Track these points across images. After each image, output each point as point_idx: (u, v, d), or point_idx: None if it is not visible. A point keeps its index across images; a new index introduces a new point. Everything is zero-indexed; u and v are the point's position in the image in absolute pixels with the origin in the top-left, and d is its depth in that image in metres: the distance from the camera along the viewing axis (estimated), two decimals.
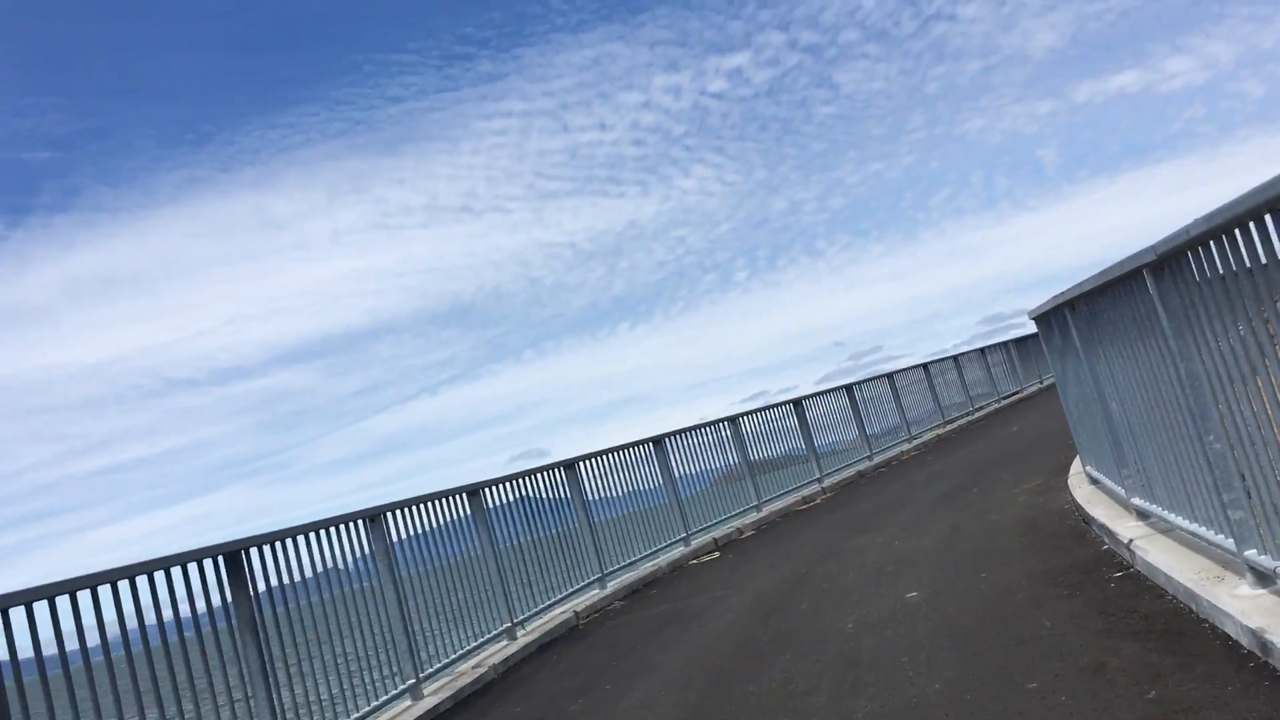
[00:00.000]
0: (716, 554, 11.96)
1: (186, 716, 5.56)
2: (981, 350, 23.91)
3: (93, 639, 5.18)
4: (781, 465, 15.55)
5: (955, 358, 22.51)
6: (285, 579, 6.65)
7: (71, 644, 5.05)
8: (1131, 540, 5.55)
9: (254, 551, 6.51)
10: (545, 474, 10.66)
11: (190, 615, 5.99)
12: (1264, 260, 3.16)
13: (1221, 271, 3.54)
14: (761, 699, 5.24)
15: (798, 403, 16.00)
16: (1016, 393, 24.62)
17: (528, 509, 10.30)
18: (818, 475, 15.67)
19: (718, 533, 12.99)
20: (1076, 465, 9.18)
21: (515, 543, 9.87)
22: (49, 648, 4.86)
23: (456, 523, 9.10)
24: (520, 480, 10.03)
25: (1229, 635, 3.99)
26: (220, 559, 6.18)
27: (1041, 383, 26.25)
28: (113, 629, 5.31)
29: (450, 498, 8.98)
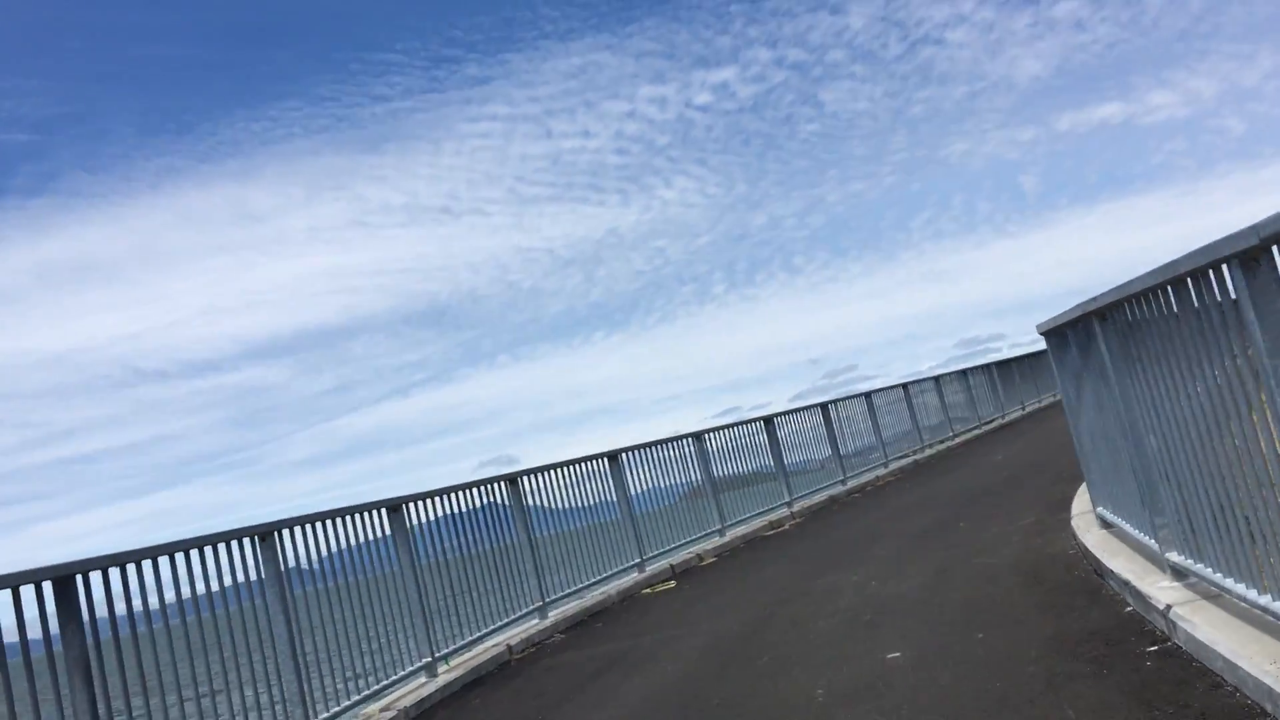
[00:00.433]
0: (673, 583, 10.85)
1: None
2: (963, 372, 22.96)
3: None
4: (750, 483, 14.47)
5: (936, 379, 21.54)
6: (132, 605, 5.49)
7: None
8: (1170, 607, 4.48)
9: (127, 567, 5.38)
10: (484, 489, 9.53)
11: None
12: None
13: None
14: None
15: (769, 420, 14.94)
16: (998, 418, 23.68)
17: (463, 525, 9.16)
18: (787, 499, 14.59)
19: (676, 558, 11.89)
20: (1082, 503, 8.14)
21: (443, 563, 8.73)
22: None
23: (374, 542, 7.97)
24: (450, 496, 8.88)
25: None
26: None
27: (1024, 409, 25.34)
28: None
29: (366, 514, 7.85)
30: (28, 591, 4.97)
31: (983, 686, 4.53)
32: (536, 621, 9.50)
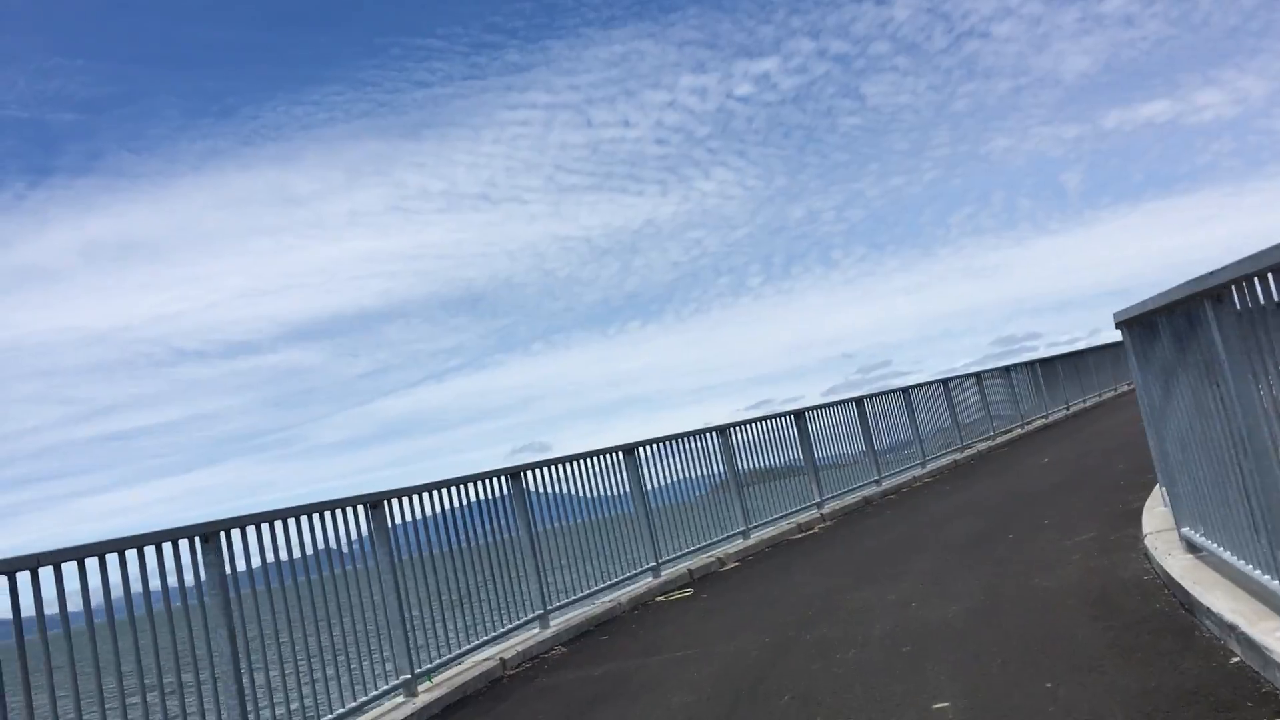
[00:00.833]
0: (690, 590, 9.93)
1: None
2: (1006, 368, 21.81)
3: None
4: (780, 476, 13.51)
5: (977, 375, 20.44)
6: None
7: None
8: None
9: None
10: (483, 483, 8.66)
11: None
12: None
13: None
14: None
15: (799, 414, 13.96)
16: (1041, 418, 22.55)
17: (458, 522, 8.30)
18: (817, 499, 13.62)
19: (695, 562, 10.98)
20: (1156, 519, 7.14)
21: (430, 565, 7.86)
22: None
23: (355, 540, 7.13)
24: (440, 492, 8.00)
25: None
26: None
27: (1069, 409, 24.17)
28: None
29: (344, 509, 7.00)
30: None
31: None
32: (537, 631, 8.62)
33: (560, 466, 9.60)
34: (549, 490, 9.65)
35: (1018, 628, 5.57)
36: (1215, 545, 4.99)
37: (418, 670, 7.10)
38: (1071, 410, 24.27)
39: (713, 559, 11.07)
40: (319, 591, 6.65)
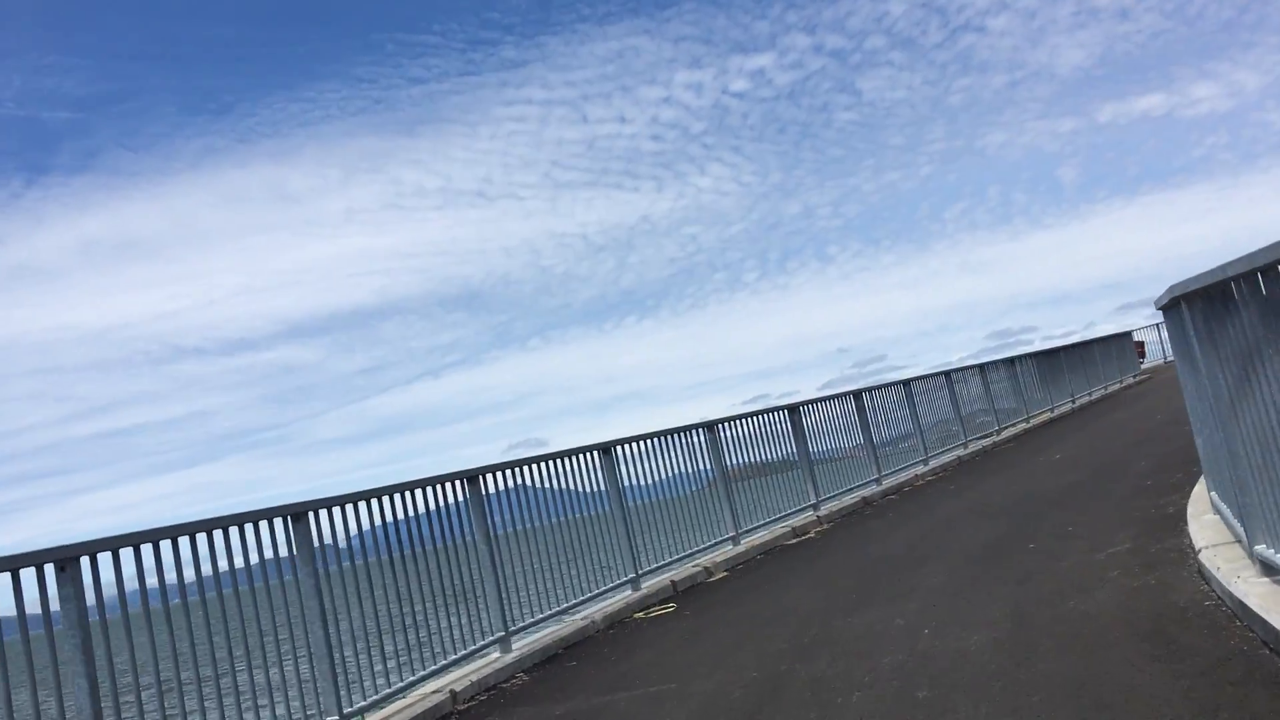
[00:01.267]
0: (672, 606, 8.93)
1: None
2: (1010, 360, 20.82)
3: None
4: (774, 470, 12.51)
5: (981, 367, 19.46)
6: None
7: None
8: None
9: None
10: (436, 487, 7.65)
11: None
12: None
13: None
14: None
15: (793, 409, 12.97)
16: (1046, 411, 21.57)
17: (400, 534, 7.29)
18: (814, 500, 12.63)
19: (679, 572, 9.98)
20: (1207, 529, 6.12)
21: (369, 584, 6.85)
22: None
23: (275, 557, 6.12)
24: (375, 501, 6.99)
25: None
26: None
27: (1074, 402, 23.19)
28: None
29: (262, 521, 5.99)
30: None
31: None
32: (497, 656, 7.62)
33: (528, 469, 8.59)
34: (518, 495, 8.65)
35: (1059, 670, 4.56)
36: None
37: (347, 711, 6.09)
38: (1078, 403, 23.30)
39: (699, 569, 10.07)
40: (233, 616, 5.65)
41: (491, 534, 8.00)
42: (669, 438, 10.64)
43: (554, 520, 9.01)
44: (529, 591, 8.34)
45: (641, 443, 10.09)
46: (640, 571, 9.50)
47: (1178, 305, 5.11)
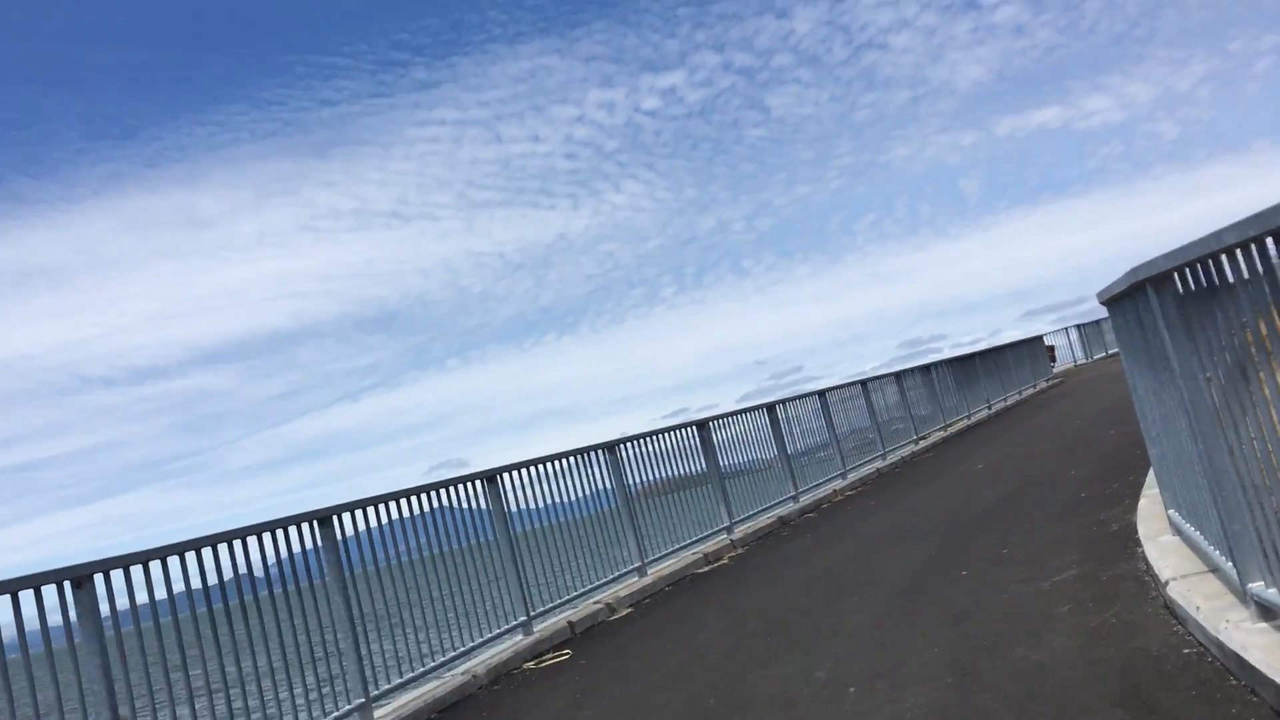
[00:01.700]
0: (567, 653, 7.89)
1: None
2: (926, 367, 20.24)
3: None
4: (681, 487, 11.56)
5: (897, 374, 18.82)
6: None
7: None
8: None
9: None
10: (283, 531, 6.51)
11: None
12: None
13: None
14: None
15: (702, 424, 12.04)
16: (963, 419, 21.04)
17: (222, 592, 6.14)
18: (727, 522, 11.71)
19: (578, 611, 8.95)
20: (1169, 554, 5.28)
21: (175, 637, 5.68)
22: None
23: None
24: (192, 557, 5.82)
25: None
26: None
27: (990, 408, 22.74)
28: None
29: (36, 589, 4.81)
30: None
31: None
32: None
33: (389, 505, 7.47)
34: (390, 532, 7.55)
35: None
36: None
37: None
38: (994, 409, 22.86)
39: (600, 606, 9.05)
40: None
41: (350, 581, 6.88)
42: (563, 461, 9.60)
43: (432, 554, 7.91)
44: (399, 646, 7.23)
45: (532, 468, 9.03)
46: (533, 613, 8.44)
47: (1139, 291, 4.26)
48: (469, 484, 8.40)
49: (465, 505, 8.38)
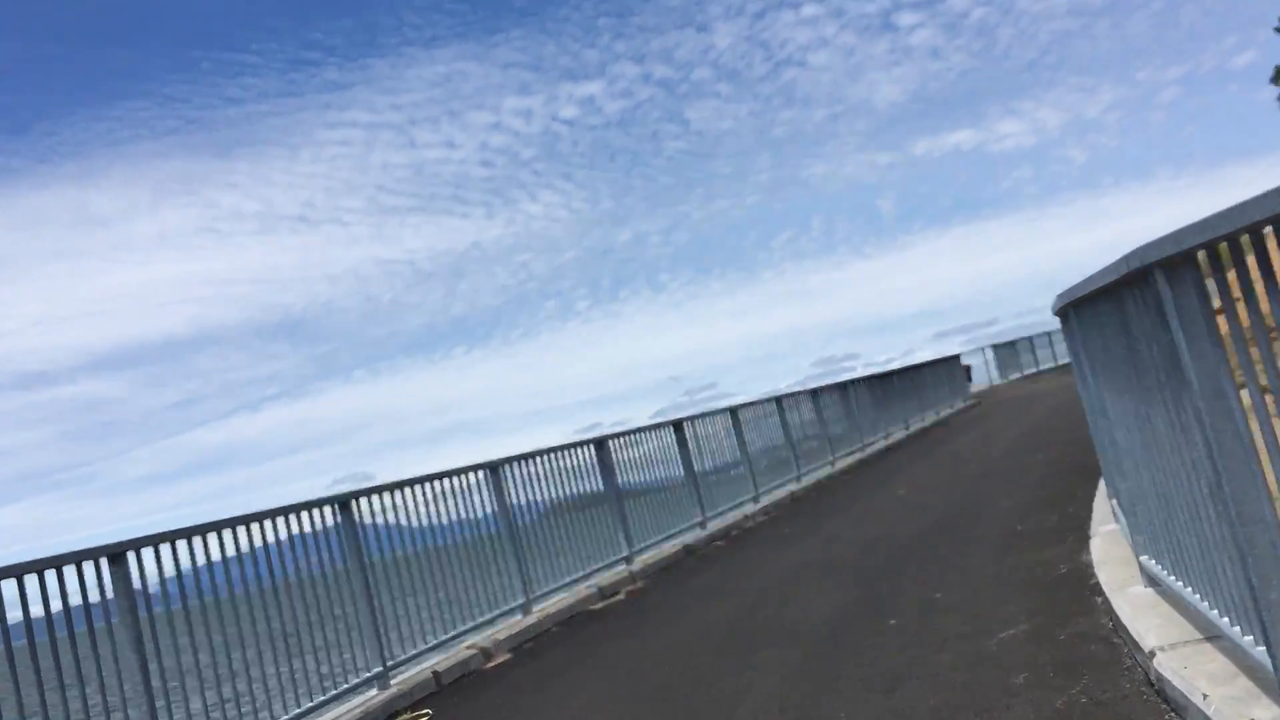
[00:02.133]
0: (426, 714, 6.66)
1: None
2: (843, 385, 19.41)
3: None
4: (577, 508, 10.43)
5: (813, 392, 17.93)
6: None
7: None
8: None
9: None
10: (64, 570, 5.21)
11: None
12: None
13: None
14: None
15: (600, 443, 10.91)
16: (880, 439, 20.26)
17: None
18: (626, 552, 10.58)
19: (447, 658, 7.73)
20: (1148, 611, 4.26)
21: None
22: None
23: None
24: None
25: None
26: None
27: (908, 428, 22.03)
28: None
29: None
30: None
31: None
32: None
33: (189, 544, 6.17)
34: (221, 570, 6.27)
35: None
36: None
37: None
38: (912, 430, 22.16)
39: (474, 651, 7.83)
40: None
41: (147, 627, 5.58)
42: (437, 484, 8.38)
43: (267, 588, 6.64)
44: (229, 699, 5.93)
45: (395, 493, 7.79)
46: (390, 664, 7.20)
47: (1139, 281, 3.25)
48: (324, 508, 7.13)
49: (310, 529, 7.12)
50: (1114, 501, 6.28)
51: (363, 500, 7.37)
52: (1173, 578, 4.10)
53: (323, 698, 6.57)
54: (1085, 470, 10.05)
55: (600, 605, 9.28)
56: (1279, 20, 39.81)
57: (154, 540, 5.71)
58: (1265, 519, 2.79)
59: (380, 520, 7.61)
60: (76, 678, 5.06)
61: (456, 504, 8.63)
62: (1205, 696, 3.25)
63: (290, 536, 6.70)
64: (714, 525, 12.42)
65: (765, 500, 14.06)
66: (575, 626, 8.54)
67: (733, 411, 14.47)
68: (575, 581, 9.69)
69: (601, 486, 10.73)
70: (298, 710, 6.37)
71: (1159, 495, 3.95)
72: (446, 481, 8.52)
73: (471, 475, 8.86)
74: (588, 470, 10.57)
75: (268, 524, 6.54)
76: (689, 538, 11.74)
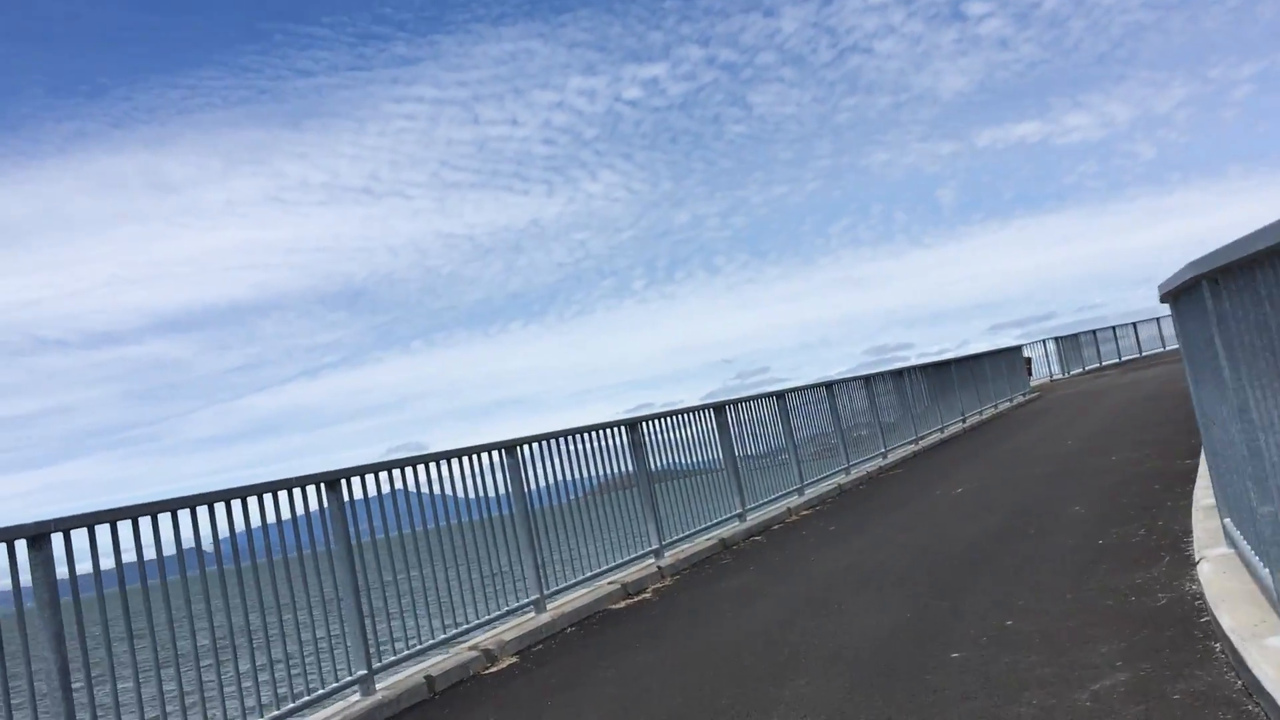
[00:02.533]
0: None
1: None
2: (899, 372, 18.31)
3: None
4: (605, 491, 9.59)
5: (866, 379, 16.88)
6: None
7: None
8: None
9: None
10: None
11: None
12: None
13: None
14: None
15: (633, 425, 10.01)
16: (936, 431, 19.15)
17: None
18: (656, 545, 9.70)
19: (445, 659, 6.90)
20: None
21: None
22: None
23: None
24: None
25: None
26: None
27: (965, 421, 20.88)
28: None
29: None
30: None
31: None
32: None
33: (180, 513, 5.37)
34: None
35: None
36: None
37: None
38: (969, 423, 21.00)
39: (476, 653, 7.00)
40: None
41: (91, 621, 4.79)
42: (451, 462, 7.54)
43: (246, 563, 5.85)
44: (215, 700, 5.14)
45: (377, 474, 6.93)
46: (374, 668, 6.37)
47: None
48: (310, 486, 6.32)
49: (301, 511, 6.32)
50: (1227, 521, 5.26)
51: (347, 482, 6.52)
52: None
53: (291, 705, 5.75)
54: (1170, 476, 8.98)
55: (623, 604, 8.41)
56: None
57: (87, 520, 4.89)
58: None
59: (376, 502, 6.78)
60: None
61: (467, 485, 7.80)
62: None
63: (264, 521, 5.88)
64: (753, 518, 11.49)
65: (810, 493, 13.08)
66: (592, 629, 7.68)
67: (779, 396, 13.49)
68: (597, 576, 8.82)
69: (636, 478, 9.84)
70: (269, 716, 5.56)
71: None
72: (457, 463, 7.68)
73: (492, 456, 8.01)
74: (618, 454, 9.68)
75: (235, 504, 5.72)
76: (725, 531, 10.82)
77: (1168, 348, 39.64)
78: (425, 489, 7.37)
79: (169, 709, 5.12)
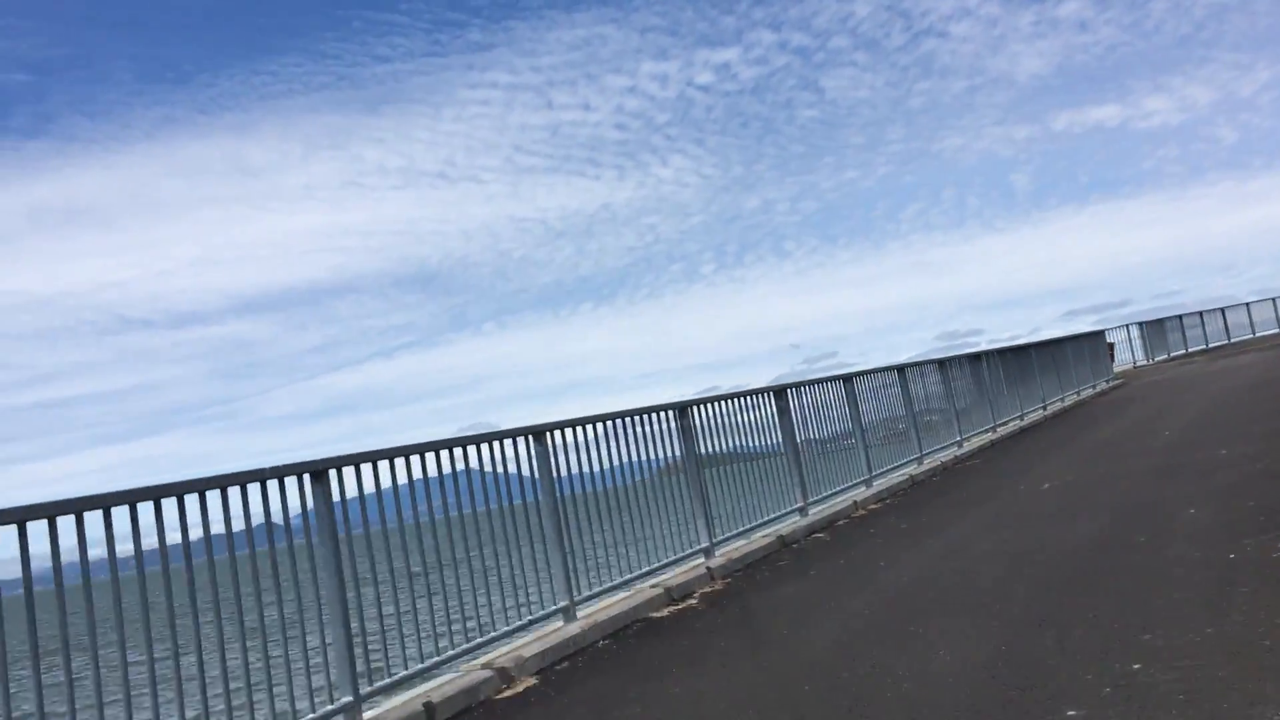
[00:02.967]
0: None
1: None
2: (976, 355, 17.03)
3: None
4: (675, 477, 8.59)
5: (940, 362, 15.64)
6: None
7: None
8: None
9: None
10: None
11: None
12: None
13: None
14: None
15: (683, 409, 8.98)
16: (1015, 419, 17.84)
17: None
18: (706, 543, 8.69)
19: (451, 681, 5.97)
20: None
21: None
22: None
23: None
24: None
25: None
26: None
27: (1045, 408, 19.52)
28: None
29: None
30: None
31: None
32: None
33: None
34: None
35: None
36: None
37: None
38: (1050, 410, 19.63)
39: (490, 673, 6.05)
40: None
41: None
42: (474, 450, 6.60)
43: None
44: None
45: (374, 463, 5.98)
46: (363, 693, 5.45)
47: None
48: (288, 477, 5.42)
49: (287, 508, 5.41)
50: None
51: (333, 471, 5.59)
52: None
53: None
54: None
55: (666, 612, 7.42)
56: None
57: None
58: None
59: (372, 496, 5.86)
60: None
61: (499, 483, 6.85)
62: None
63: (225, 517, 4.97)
64: (815, 512, 10.41)
65: (879, 484, 11.96)
66: (628, 643, 6.69)
67: (846, 380, 12.36)
68: (640, 577, 7.84)
69: (684, 467, 8.83)
70: None
71: None
72: (483, 450, 6.73)
73: (521, 442, 7.06)
74: (664, 440, 8.68)
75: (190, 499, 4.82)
76: (784, 527, 9.76)
77: (1257, 334, 37.58)
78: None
79: None
